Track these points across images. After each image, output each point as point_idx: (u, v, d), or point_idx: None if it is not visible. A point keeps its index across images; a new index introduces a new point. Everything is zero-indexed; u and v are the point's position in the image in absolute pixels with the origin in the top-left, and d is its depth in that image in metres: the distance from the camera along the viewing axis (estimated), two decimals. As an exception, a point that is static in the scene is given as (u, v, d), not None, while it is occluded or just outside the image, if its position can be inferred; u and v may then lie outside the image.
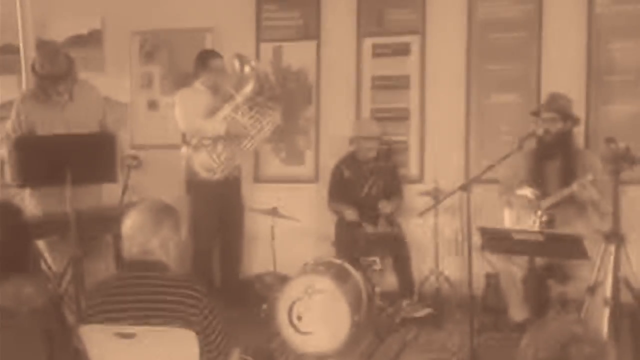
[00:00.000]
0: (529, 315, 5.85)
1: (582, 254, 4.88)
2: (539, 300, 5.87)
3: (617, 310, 4.81)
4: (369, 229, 6.91)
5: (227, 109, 7.01)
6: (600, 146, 5.33)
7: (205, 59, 7.23)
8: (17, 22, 7.43)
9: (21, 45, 7.44)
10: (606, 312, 4.81)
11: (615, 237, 4.89)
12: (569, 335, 2.11)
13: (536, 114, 6.29)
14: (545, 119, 6.12)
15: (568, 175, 5.94)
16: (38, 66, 5.67)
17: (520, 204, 6.17)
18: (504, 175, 6.32)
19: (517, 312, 6.09)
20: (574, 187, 5.82)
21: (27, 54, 7.25)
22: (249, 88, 7.00)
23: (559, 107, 6.16)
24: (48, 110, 5.75)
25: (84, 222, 5.22)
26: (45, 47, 6.15)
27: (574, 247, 4.90)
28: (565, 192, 5.89)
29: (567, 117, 6.16)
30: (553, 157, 6.14)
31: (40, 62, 5.68)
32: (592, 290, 5.00)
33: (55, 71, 5.64)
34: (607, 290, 4.84)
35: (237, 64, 6.95)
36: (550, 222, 5.95)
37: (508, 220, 6.21)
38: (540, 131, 6.04)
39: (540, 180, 6.13)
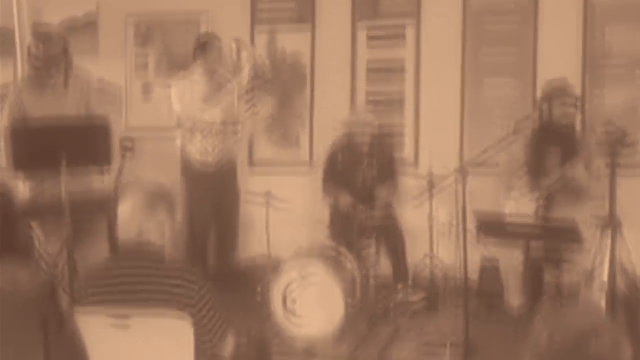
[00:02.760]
0: (525, 302, 5.86)
1: (577, 239, 4.88)
2: (535, 286, 5.88)
3: (614, 295, 4.82)
4: (364, 213, 6.90)
5: (223, 94, 7.00)
6: (596, 131, 5.33)
7: (204, 42, 7.20)
8: (13, 5, 7.40)
9: (16, 28, 7.41)
10: (602, 297, 4.81)
11: (612, 222, 4.90)
12: (589, 325, 2.07)
13: (546, 99, 6.26)
14: (562, 103, 6.11)
15: (569, 160, 5.95)
16: (33, 48, 5.68)
17: (520, 188, 6.17)
18: (502, 161, 6.33)
19: (514, 299, 6.10)
20: (566, 169, 5.84)
21: (23, 38, 7.22)
22: (245, 73, 6.99)
23: (572, 93, 6.18)
24: (43, 96, 5.73)
25: (78, 206, 5.20)
26: (39, 29, 6.15)
27: (569, 233, 4.90)
28: (559, 174, 5.91)
29: (577, 101, 6.20)
30: (554, 143, 6.14)
31: (34, 44, 5.68)
32: (588, 276, 5.01)
33: (50, 51, 5.63)
34: (604, 275, 4.85)
35: (234, 48, 6.94)
36: (547, 207, 5.96)
37: (507, 205, 6.21)
38: (536, 115, 6.05)
39: (541, 165, 6.13)
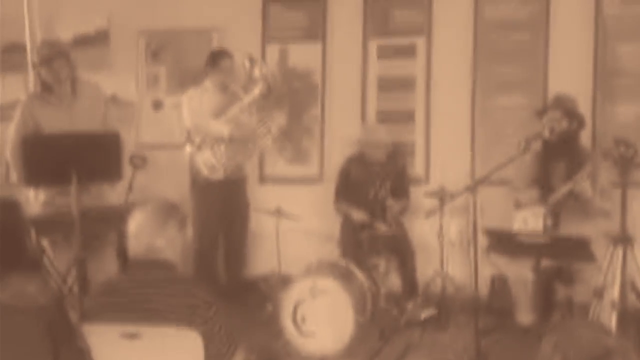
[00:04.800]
0: (535, 318, 5.84)
1: (589, 256, 4.86)
2: (546, 302, 5.85)
3: (625, 313, 4.79)
4: (375, 229, 6.88)
5: (234, 110, 7.01)
6: (609, 148, 5.30)
7: (216, 58, 7.22)
8: (24, 20, 7.43)
9: (28, 44, 7.43)
10: (614, 315, 4.79)
11: (623, 239, 4.88)
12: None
13: (541, 114, 6.29)
14: (550, 118, 6.12)
15: (574, 174, 5.94)
16: (37, 56, 5.77)
17: (527, 205, 6.16)
18: (512, 177, 6.32)
19: (525, 315, 6.07)
20: (572, 182, 5.83)
21: (34, 53, 7.25)
22: (257, 91, 6.98)
23: (564, 106, 6.16)
24: (54, 109, 5.76)
25: (88, 221, 5.21)
26: (43, 41, 6.24)
27: (580, 250, 4.88)
28: (565, 187, 5.89)
29: (571, 116, 6.15)
30: (559, 158, 6.14)
31: (39, 50, 5.77)
32: (599, 293, 4.99)
33: (51, 54, 5.69)
34: (615, 293, 4.83)
35: (247, 65, 6.94)
36: (556, 224, 5.94)
37: (516, 222, 6.19)
38: (546, 132, 6.03)
39: (546, 182, 6.12)
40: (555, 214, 5.97)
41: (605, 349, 2.03)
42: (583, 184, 5.83)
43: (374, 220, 6.99)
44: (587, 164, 5.87)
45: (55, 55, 5.74)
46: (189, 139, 7.14)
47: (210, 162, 7.03)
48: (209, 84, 7.21)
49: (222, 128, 6.94)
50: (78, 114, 5.77)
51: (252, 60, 6.97)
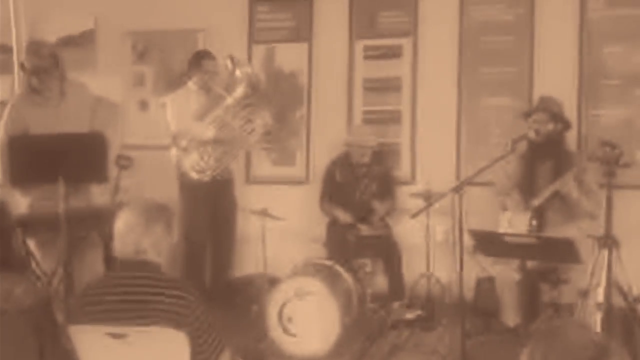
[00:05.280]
0: (521, 320, 5.85)
1: (575, 257, 4.87)
2: (531, 304, 5.87)
3: (610, 314, 4.81)
4: (361, 230, 6.89)
5: (218, 111, 6.99)
6: (594, 149, 5.32)
7: (199, 59, 7.22)
8: (10, 22, 7.41)
9: (14, 45, 7.42)
10: (599, 316, 4.80)
11: (608, 241, 4.89)
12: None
13: (527, 115, 6.32)
14: (536, 120, 6.15)
15: (559, 176, 5.97)
16: (26, 62, 5.71)
17: (513, 207, 6.19)
18: (497, 178, 6.34)
19: (511, 316, 6.09)
20: (558, 183, 5.85)
21: (20, 54, 7.23)
22: (240, 91, 6.96)
23: (549, 108, 6.19)
24: (42, 110, 5.73)
25: (75, 222, 5.19)
26: (31, 43, 6.19)
27: (566, 251, 4.88)
28: (550, 189, 5.92)
29: (557, 118, 6.19)
30: (544, 160, 6.17)
31: (27, 57, 5.72)
32: (584, 294, 5.00)
33: (42, 64, 5.64)
34: (600, 294, 4.84)
35: (229, 65, 6.93)
36: (540, 226, 5.96)
37: (502, 223, 6.21)
38: (531, 134, 6.06)
39: (532, 183, 6.15)
40: (541, 215, 6.00)
41: (601, 348, 1.99)
42: (569, 185, 5.86)
43: (359, 222, 7.01)
44: (573, 165, 5.90)
45: (44, 56, 5.72)
46: (175, 142, 7.12)
47: (198, 165, 7.01)
48: (192, 85, 7.21)
49: (207, 130, 6.93)
50: (66, 115, 5.74)
51: (233, 61, 6.95)
